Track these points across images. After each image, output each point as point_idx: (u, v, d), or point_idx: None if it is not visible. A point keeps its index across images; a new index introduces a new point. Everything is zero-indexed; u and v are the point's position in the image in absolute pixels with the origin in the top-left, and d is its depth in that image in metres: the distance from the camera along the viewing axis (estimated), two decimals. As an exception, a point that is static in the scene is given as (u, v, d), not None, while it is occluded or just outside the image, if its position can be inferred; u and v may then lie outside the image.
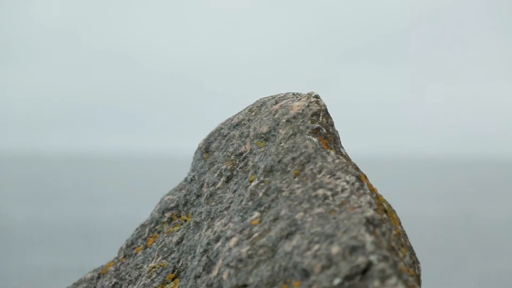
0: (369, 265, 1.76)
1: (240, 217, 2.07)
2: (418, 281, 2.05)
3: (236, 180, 2.21)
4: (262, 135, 2.24)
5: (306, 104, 2.21)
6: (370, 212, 1.92)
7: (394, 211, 2.20)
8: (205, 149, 2.34)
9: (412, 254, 2.11)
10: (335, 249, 1.81)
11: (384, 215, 2.04)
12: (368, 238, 1.81)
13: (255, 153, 2.22)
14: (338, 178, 2.03)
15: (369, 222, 1.90)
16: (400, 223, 2.17)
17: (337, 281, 1.75)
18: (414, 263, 2.10)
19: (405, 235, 2.12)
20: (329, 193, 2.01)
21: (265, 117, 2.27)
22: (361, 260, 1.77)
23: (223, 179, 2.23)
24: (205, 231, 2.13)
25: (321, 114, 2.20)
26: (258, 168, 2.16)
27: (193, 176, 2.31)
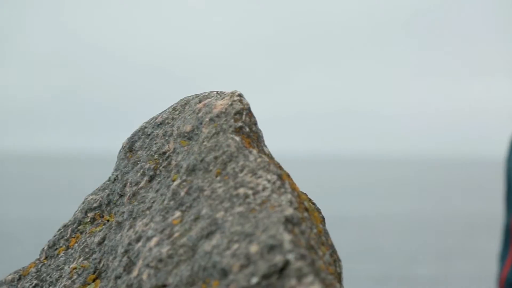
0: (286, 264, 1.77)
1: (161, 217, 2.07)
2: (339, 279, 2.07)
3: (159, 179, 2.21)
4: (186, 134, 2.24)
5: (230, 103, 2.21)
6: (289, 211, 1.94)
7: (317, 209, 2.22)
8: (129, 148, 2.34)
9: (333, 252, 2.14)
10: (253, 248, 1.82)
11: (305, 214, 2.06)
12: (286, 237, 1.83)
13: (178, 152, 2.22)
14: (259, 177, 2.05)
15: (289, 221, 1.91)
16: (322, 221, 2.19)
17: (254, 280, 1.77)
18: (335, 261, 2.12)
19: (326, 234, 2.15)
20: (250, 192, 2.02)
21: (189, 116, 2.28)
22: (278, 259, 1.78)
23: (146, 178, 2.23)
24: (127, 231, 2.12)
25: (244, 112, 2.21)
26: (181, 167, 2.17)
27: (117, 176, 2.30)
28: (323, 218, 2.21)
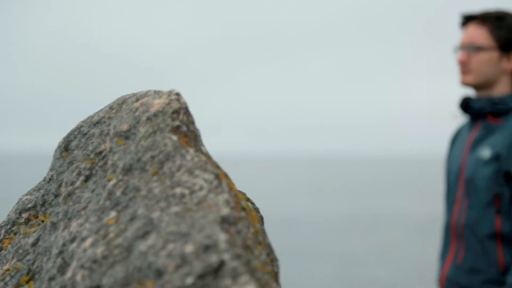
0: (222, 263, 1.77)
1: (97, 217, 2.05)
2: (276, 278, 2.07)
3: (95, 179, 2.18)
4: (122, 133, 2.22)
5: (167, 102, 2.20)
6: (226, 211, 1.93)
7: (255, 209, 2.22)
8: (65, 147, 2.31)
9: (270, 251, 2.14)
10: (189, 248, 1.82)
11: (242, 214, 2.05)
12: (222, 237, 1.82)
13: (114, 152, 2.20)
14: (196, 177, 2.04)
15: (225, 221, 1.91)
16: (260, 221, 2.19)
17: (189, 280, 1.76)
18: (273, 260, 2.12)
19: (264, 233, 2.15)
20: (186, 191, 2.01)
21: (126, 114, 2.26)
22: (213, 259, 1.78)
23: (82, 178, 2.20)
24: (62, 231, 2.10)
25: (181, 111, 2.19)
26: (117, 166, 2.15)
27: (52, 176, 2.27)
28: (262, 218, 2.21)
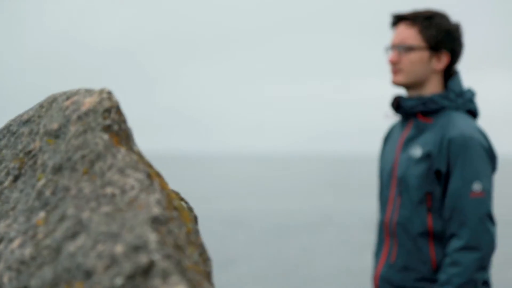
0: (152, 264, 1.75)
1: (25, 218, 2.01)
2: (208, 278, 2.06)
3: (24, 179, 2.14)
4: (52, 132, 2.19)
5: (98, 100, 2.17)
6: (157, 211, 1.91)
7: (189, 208, 2.20)
8: (-7, 146, 2.26)
9: (203, 251, 2.12)
10: (119, 249, 1.79)
11: (174, 213, 2.04)
12: (152, 237, 1.80)
13: (44, 151, 2.16)
14: (127, 176, 2.01)
15: (156, 221, 1.89)
16: (193, 220, 2.17)
17: (119, 281, 1.73)
18: (205, 260, 2.11)
19: (196, 233, 2.13)
20: (117, 191, 1.98)
21: (56, 113, 2.22)
22: (143, 259, 1.76)
23: (10, 178, 2.16)
24: (-11, 232, 2.05)
25: (113, 110, 2.17)
26: (47, 166, 2.11)
27: (-20, 175, 2.22)
28: (195, 217, 2.20)
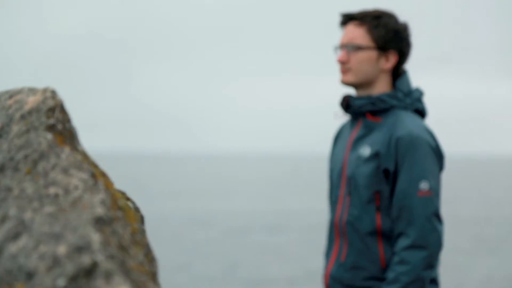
0: (95, 265, 1.73)
1: (-34, 219, 1.97)
2: (154, 278, 2.04)
3: (-34, 179, 2.10)
4: (-5, 132, 2.15)
5: (42, 99, 2.14)
6: (101, 211, 1.89)
7: (135, 208, 2.18)
8: None
9: (149, 251, 2.10)
10: (61, 250, 1.77)
11: (119, 213, 2.01)
12: (96, 238, 1.78)
13: (-14, 151, 2.12)
14: (71, 176, 1.99)
15: (99, 221, 1.87)
16: (139, 220, 2.15)
17: (61, 282, 1.71)
18: (151, 260, 2.09)
19: (142, 233, 2.11)
20: (61, 191, 1.96)
21: (-2, 112, 2.18)
22: (86, 260, 1.74)
23: (-49, 178, 2.12)
24: None
25: (57, 109, 2.14)
26: (-11, 166, 2.07)
27: None
28: (142, 217, 2.18)
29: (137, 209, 2.20)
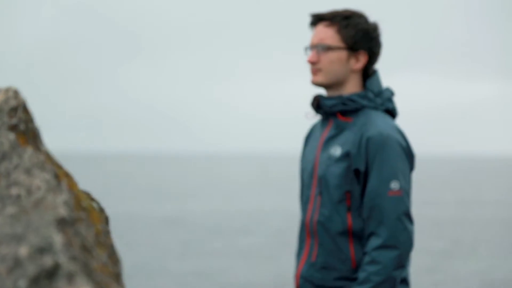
0: (57, 266, 1.71)
1: None
2: (118, 279, 2.02)
3: None
4: (-44, 132, 2.12)
5: (4, 99, 2.11)
6: (63, 212, 1.87)
7: (100, 209, 2.16)
8: None
9: (113, 252, 2.08)
10: (23, 251, 1.74)
11: (82, 214, 1.99)
12: (58, 239, 1.76)
13: None
14: (34, 176, 1.96)
15: (62, 222, 1.85)
16: (103, 221, 2.13)
17: (22, 283, 1.69)
18: (115, 261, 2.07)
19: (106, 234, 2.09)
20: (23, 192, 1.93)
21: (-39, 112, 2.15)
22: (48, 261, 1.72)
23: None
24: None
25: (19, 109, 2.11)
26: (-49, 167, 2.04)
27: None
28: (107, 218, 2.16)
29: (102, 210, 2.18)
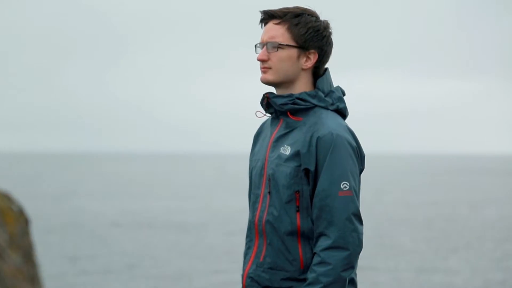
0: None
1: None
2: (33, 282, 2.00)
3: None
4: None
5: None
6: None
7: (19, 211, 2.49)
8: None
9: (30, 254, 2.32)
10: None
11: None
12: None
13: None
14: None
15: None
16: (22, 222, 2.30)
17: None
18: (32, 264, 2.15)
19: (23, 235, 2.43)
20: None
21: None
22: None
23: None
24: None
25: None
26: None
27: None
28: (27, 220, 2.43)
29: (21, 212, 2.29)
